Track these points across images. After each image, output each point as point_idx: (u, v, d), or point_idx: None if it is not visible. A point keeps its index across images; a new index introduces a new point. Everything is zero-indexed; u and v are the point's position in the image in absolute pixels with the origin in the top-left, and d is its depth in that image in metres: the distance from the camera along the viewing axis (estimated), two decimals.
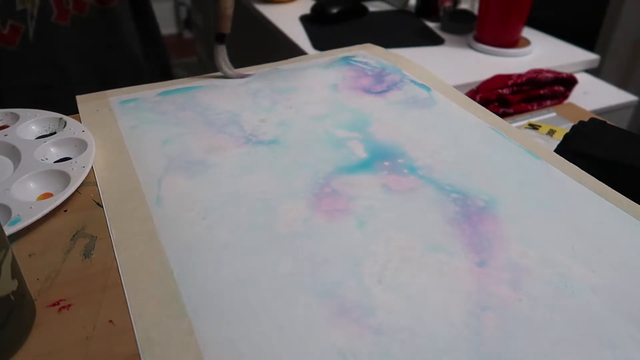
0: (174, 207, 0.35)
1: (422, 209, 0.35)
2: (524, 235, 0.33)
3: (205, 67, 2.28)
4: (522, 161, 0.40)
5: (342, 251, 0.31)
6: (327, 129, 0.44)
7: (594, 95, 0.88)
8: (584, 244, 0.32)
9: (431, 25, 1.13)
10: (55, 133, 0.43)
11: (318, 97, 0.49)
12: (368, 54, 0.59)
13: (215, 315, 0.27)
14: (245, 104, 0.48)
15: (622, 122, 0.89)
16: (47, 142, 0.41)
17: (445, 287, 0.29)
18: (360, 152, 0.41)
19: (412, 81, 0.52)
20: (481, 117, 0.45)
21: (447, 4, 1.14)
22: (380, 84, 0.52)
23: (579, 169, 0.39)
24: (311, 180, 0.37)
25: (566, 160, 0.40)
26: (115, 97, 0.49)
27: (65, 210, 0.35)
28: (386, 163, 0.39)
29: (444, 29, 1.10)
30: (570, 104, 0.79)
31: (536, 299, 0.28)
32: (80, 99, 0.49)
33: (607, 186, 0.37)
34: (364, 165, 0.39)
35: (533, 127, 0.67)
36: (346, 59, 0.57)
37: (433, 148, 0.41)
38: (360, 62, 0.56)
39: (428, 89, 0.50)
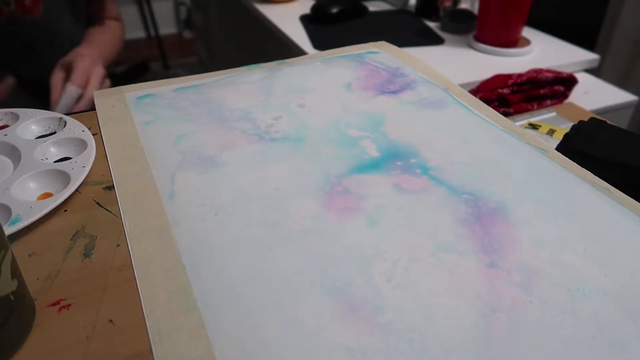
0: (186, 202, 0.35)
1: (433, 209, 0.35)
2: (535, 237, 0.32)
3: (206, 66, 2.28)
4: (535, 163, 0.40)
5: (352, 249, 0.31)
6: (339, 127, 0.44)
7: (594, 95, 0.88)
8: (597, 247, 0.32)
9: (431, 25, 1.13)
10: (55, 133, 0.43)
11: (331, 95, 0.49)
12: (382, 52, 0.59)
13: (226, 310, 0.27)
14: (259, 102, 0.48)
15: (622, 122, 0.89)
16: (47, 142, 0.41)
17: (455, 287, 0.29)
18: (373, 152, 0.41)
19: (426, 81, 0.52)
20: (493, 119, 0.45)
21: (447, 4, 1.14)
22: (393, 83, 0.51)
23: (591, 173, 0.39)
24: (323, 179, 0.37)
25: (577, 165, 0.40)
26: (131, 92, 0.50)
27: (65, 210, 0.35)
28: (398, 163, 0.39)
29: (444, 28, 1.10)
30: (570, 104, 0.79)
31: (547, 302, 0.28)
32: (97, 94, 0.49)
33: (620, 191, 0.37)
34: (376, 165, 0.39)
35: (533, 127, 0.67)
36: (360, 58, 0.57)
37: (445, 149, 0.41)
38: (374, 61, 0.56)
39: (442, 89, 0.50)
